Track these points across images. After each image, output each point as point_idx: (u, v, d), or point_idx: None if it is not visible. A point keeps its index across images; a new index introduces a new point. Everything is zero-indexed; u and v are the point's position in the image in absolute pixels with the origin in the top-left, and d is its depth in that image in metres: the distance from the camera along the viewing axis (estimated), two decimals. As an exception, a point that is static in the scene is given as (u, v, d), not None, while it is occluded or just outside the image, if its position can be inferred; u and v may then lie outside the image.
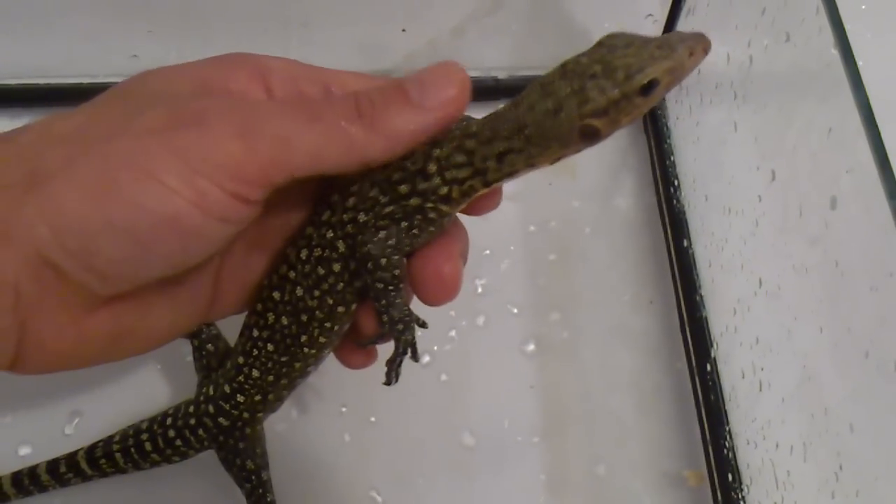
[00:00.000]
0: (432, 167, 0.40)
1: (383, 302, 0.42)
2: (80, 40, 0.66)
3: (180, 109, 0.37)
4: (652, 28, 0.67)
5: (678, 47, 0.38)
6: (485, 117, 0.40)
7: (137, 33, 0.66)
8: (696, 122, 0.63)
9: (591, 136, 0.38)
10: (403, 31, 0.67)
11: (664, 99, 0.70)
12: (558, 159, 0.40)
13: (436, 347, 0.62)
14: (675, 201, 0.66)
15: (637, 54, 0.38)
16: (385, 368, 0.45)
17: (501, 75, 0.71)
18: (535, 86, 0.39)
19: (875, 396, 0.40)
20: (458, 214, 0.44)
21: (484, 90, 0.70)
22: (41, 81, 0.69)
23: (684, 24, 0.64)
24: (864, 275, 0.40)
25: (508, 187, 0.63)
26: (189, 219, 0.36)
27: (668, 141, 0.68)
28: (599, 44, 0.39)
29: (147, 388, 0.60)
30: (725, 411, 0.57)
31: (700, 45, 0.38)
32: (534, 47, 0.70)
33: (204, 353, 0.53)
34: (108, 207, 0.35)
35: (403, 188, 0.40)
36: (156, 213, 0.35)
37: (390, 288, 0.42)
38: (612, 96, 0.37)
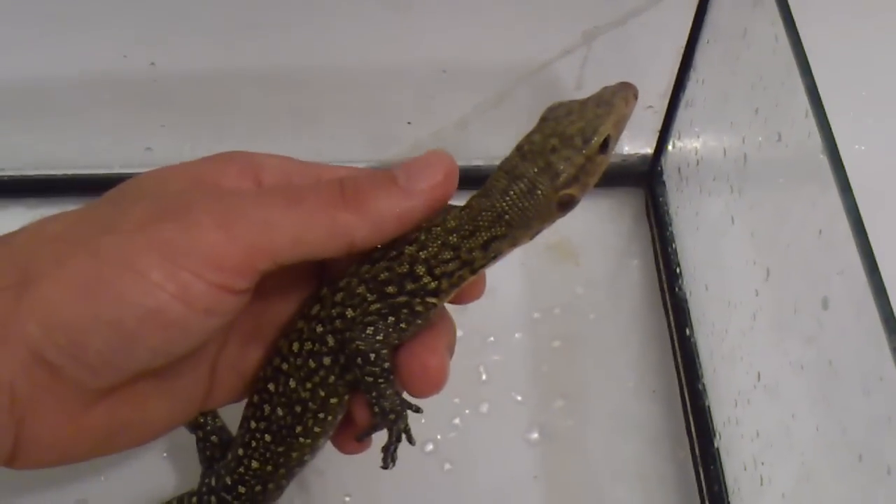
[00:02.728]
0: (421, 269, 0.41)
1: (374, 394, 0.43)
2: (96, 133, 0.69)
3: (164, 204, 0.38)
4: (651, 119, 0.68)
5: (614, 100, 0.41)
6: (459, 210, 0.42)
7: (151, 127, 0.68)
8: (695, 212, 0.64)
9: (567, 205, 0.41)
10: (409, 123, 0.69)
11: (665, 186, 0.71)
12: (538, 233, 0.42)
13: (439, 436, 0.62)
14: (677, 289, 0.66)
15: (583, 118, 0.40)
16: (381, 453, 0.46)
17: (503, 164, 0.72)
18: (499, 173, 0.41)
19: (870, 499, 0.39)
20: (448, 306, 0.45)
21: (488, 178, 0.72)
22: (58, 172, 0.71)
23: (683, 116, 0.66)
24: (857, 377, 0.40)
25: (514, 275, 0.64)
26: (173, 312, 0.36)
27: (669, 229, 0.69)
28: (543, 119, 0.41)
29: (152, 476, 0.61)
30: (729, 503, 0.56)
31: (630, 92, 0.41)
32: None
33: (208, 444, 0.54)
34: (94, 302, 0.36)
35: (391, 289, 0.41)
36: (140, 307, 0.36)
37: (380, 380, 0.43)
38: (578, 162, 0.40)
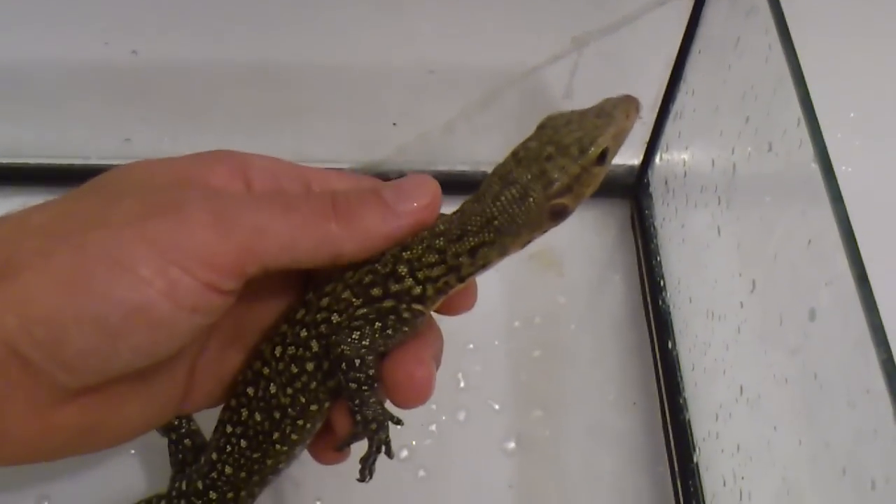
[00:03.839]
0: (403, 269, 0.40)
1: (357, 401, 0.42)
2: (75, 123, 0.67)
3: (155, 199, 0.37)
4: (640, 130, 0.68)
5: (615, 113, 0.40)
6: (449, 215, 0.41)
7: (131, 119, 0.67)
8: (681, 224, 0.63)
9: (559, 214, 0.40)
10: (394, 125, 0.68)
11: (652, 198, 0.70)
12: (528, 242, 0.41)
13: (414, 442, 0.61)
14: (660, 301, 0.66)
15: (582, 128, 0.39)
16: (359, 465, 0.45)
17: (490, 170, 0.71)
18: (493, 178, 0.40)
19: (853, 515, 0.39)
20: (435, 315, 0.44)
21: (474, 184, 0.70)
22: (33, 161, 0.69)
23: (672, 127, 0.65)
24: (842, 389, 0.40)
25: (494, 282, 0.63)
26: (159, 309, 0.36)
27: (654, 241, 0.68)
28: (541, 126, 0.41)
29: (119, 476, 0.59)
30: (707, 519, 0.56)
31: (633, 105, 0.41)
32: (523, 143, 0.71)
33: (181, 447, 0.53)
34: (78, 297, 0.35)
35: (376, 291, 0.40)
36: (126, 303, 0.35)
37: (364, 388, 0.41)
38: (573, 171, 0.39)
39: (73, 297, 0.35)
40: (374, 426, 0.43)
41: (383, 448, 0.44)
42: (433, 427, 0.62)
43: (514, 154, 0.40)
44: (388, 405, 0.43)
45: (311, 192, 0.42)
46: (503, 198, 0.39)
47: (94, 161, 0.69)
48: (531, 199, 0.39)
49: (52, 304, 0.35)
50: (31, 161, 0.69)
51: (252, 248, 0.37)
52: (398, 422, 0.43)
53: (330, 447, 0.46)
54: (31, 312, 0.35)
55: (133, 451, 0.60)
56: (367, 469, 0.45)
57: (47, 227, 0.37)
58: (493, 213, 0.39)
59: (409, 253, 0.40)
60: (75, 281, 0.35)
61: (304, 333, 0.42)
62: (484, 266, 0.41)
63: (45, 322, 0.35)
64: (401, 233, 0.40)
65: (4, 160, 0.70)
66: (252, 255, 0.37)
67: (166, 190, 0.39)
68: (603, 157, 0.39)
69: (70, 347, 0.35)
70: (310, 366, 0.42)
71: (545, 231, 0.41)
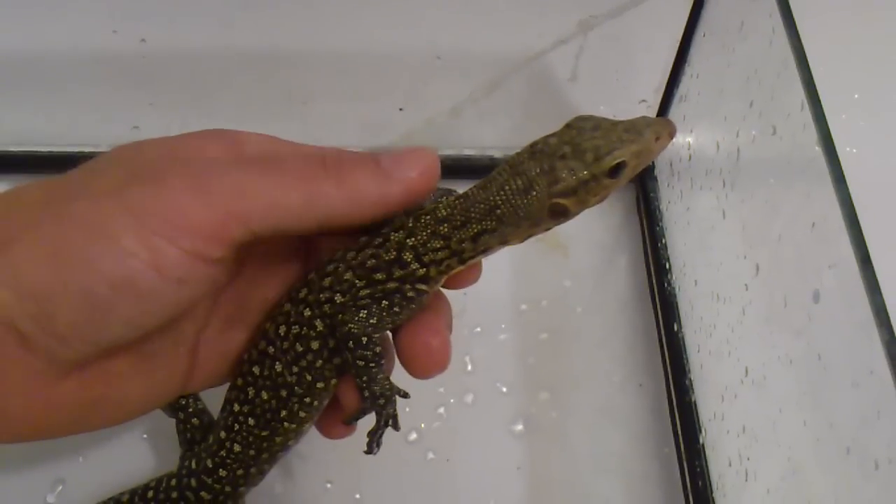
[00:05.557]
0: (408, 255, 0.41)
1: (364, 378, 0.43)
2: (84, 110, 0.67)
3: (136, 169, 0.37)
4: (645, 113, 0.68)
5: (645, 131, 0.39)
6: (453, 199, 0.41)
7: (139, 105, 0.67)
8: (686, 207, 0.63)
9: (559, 215, 0.40)
10: (401, 110, 0.68)
11: (657, 181, 0.70)
12: (530, 236, 0.42)
13: (423, 425, 0.62)
14: (665, 284, 0.66)
15: (605, 137, 0.39)
16: (367, 438, 0.45)
17: (497, 154, 0.72)
18: (504, 167, 0.40)
19: (857, 494, 0.39)
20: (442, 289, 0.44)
21: (480, 168, 0.71)
22: (43, 149, 0.70)
23: (676, 110, 0.66)
24: (847, 370, 0.40)
25: (501, 266, 0.64)
26: (145, 281, 0.35)
27: (659, 224, 0.68)
28: (568, 126, 0.40)
29: (131, 458, 0.60)
30: (713, 499, 0.56)
31: (666, 129, 0.40)
32: (530, 128, 0.70)
33: (189, 426, 0.53)
34: (64, 270, 0.35)
35: (379, 276, 0.41)
36: (111, 275, 0.35)
37: (371, 364, 0.42)
38: (581, 177, 0.39)
39: (58, 269, 0.35)
40: (381, 401, 0.43)
41: (391, 421, 0.44)
42: (441, 410, 0.63)
43: (532, 146, 0.40)
44: (395, 378, 0.44)
45: (300, 150, 0.41)
46: (508, 187, 0.40)
47: (103, 149, 0.69)
48: (534, 193, 0.39)
49: (40, 278, 0.35)
50: (41, 149, 0.70)
51: (235, 210, 0.36)
52: (405, 395, 0.44)
53: (338, 422, 0.46)
54: (22, 286, 0.35)
55: (145, 435, 0.61)
56: (374, 442, 0.45)
57: (36, 201, 0.37)
58: (496, 201, 0.40)
59: (413, 240, 0.41)
60: (60, 253, 0.35)
61: (307, 312, 0.42)
62: (485, 251, 0.42)
63: (34, 295, 0.35)
64: (393, 199, 0.39)
65: (14, 148, 0.70)
66: (236, 218, 0.36)
67: (150, 161, 0.38)
68: (616, 171, 0.39)
69: (61, 319, 0.35)
70: (315, 344, 0.43)
71: (547, 228, 0.41)
